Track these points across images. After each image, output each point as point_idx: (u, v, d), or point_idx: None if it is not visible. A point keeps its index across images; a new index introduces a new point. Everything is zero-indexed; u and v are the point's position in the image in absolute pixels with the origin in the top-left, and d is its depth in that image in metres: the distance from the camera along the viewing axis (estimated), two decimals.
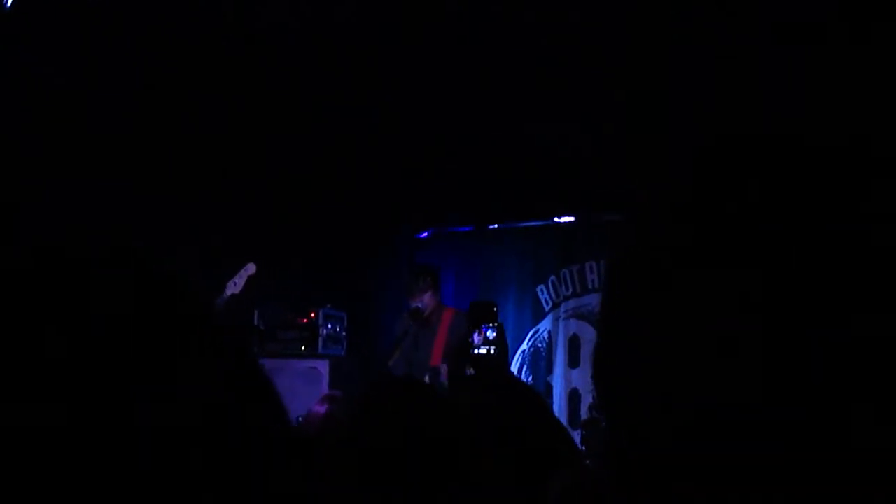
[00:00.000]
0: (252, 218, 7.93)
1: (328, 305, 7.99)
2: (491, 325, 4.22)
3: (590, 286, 8.04)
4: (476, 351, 4.30)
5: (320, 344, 7.78)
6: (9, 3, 4.54)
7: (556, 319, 8.21)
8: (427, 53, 6.36)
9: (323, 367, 7.62)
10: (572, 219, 8.08)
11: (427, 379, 6.56)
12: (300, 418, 4.51)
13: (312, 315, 7.85)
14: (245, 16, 5.89)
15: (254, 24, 5.95)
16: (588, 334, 7.89)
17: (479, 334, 4.35)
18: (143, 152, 7.02)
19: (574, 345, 8.04)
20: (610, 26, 5.63)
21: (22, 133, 6.17)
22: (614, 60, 6.01)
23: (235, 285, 7.01)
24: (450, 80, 6.69)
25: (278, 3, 5.78)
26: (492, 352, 4.30)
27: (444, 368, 6.61)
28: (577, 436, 6.78)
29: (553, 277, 8.26)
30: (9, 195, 5.86)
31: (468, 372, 6.09)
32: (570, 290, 8.15)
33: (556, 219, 8.17)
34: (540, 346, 8.27)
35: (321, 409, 4.17)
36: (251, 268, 7.07)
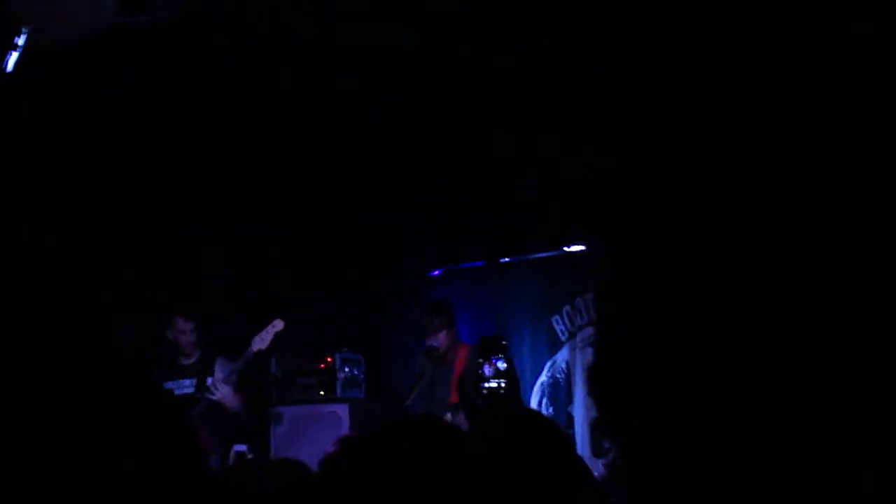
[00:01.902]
0: (262, 265, 7.96)
1: (344, 349, 8.00)
2: (500, 356, 4.22)
3: None
4: (487, 384, 4.31)
5: (338, 388, 7.78)
6: (10, 68, 4.60)
7: (573, 349, 8.20)
8: (434, 90, 6.40)
9: (343, 410, 7.61)
10: (583, 247, 8.08)
11: (449, 416, 6.55)
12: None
13: (329, 360, 7.85)
14: (264, 53, 5.94)
15: (273, 57, 6.00)
16: None
17: (489, 366, 4.37)
18: (157, 199, 7.08)
19: None
20: (620, 53, 5.66)
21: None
22: (623, 87, 6.04)
23: (262, 340, 6.92)
24: (456, 117, 6.72)
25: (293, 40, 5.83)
26: (502, 385, 4.30)
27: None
28: (600, 465, 6.76)
29: (567, 307, 8.26)
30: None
31: (477, 402, 6.08)
32: (585, 319, 8.13)
33: (565, 248, 8.17)
34: (559, 376, 8.25)
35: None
36: (279, 324, 6.98)
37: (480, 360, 4.61)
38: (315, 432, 7.33)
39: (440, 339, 7.03)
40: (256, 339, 6.91)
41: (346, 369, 7.90)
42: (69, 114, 6.02)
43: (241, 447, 6.57)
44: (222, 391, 6.75)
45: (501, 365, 4.75)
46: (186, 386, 6.88)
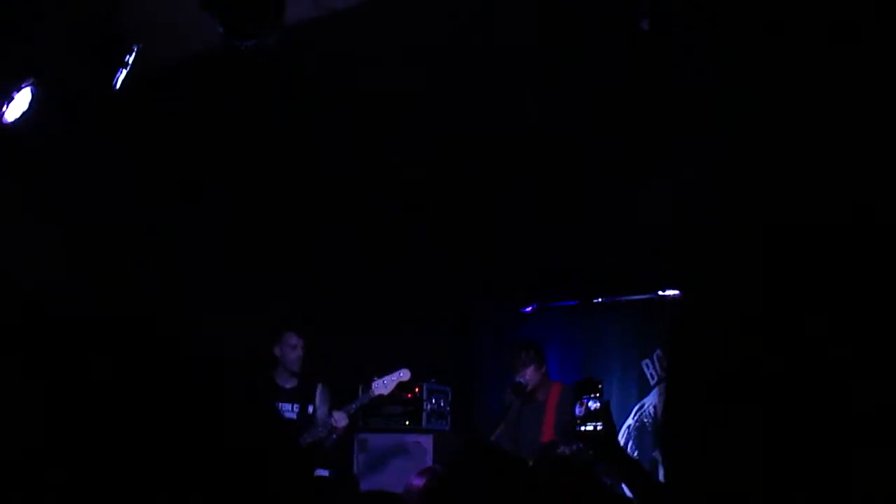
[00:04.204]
0: (356, 292, 8.02)
1: (433, 380, 8.01)
2: (593, 395, 4.19)
3: None
4: (583, 427, 4.28)
5: (424, 419, 7.80)
6: (118, 86, 4.75)
7: (661, 394, 8.08)
8: (525, 135, 6.42)
9: (427, 441, 7.62)
10: (677, 292, 7.97)
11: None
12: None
13: (417, 390, 7.87)
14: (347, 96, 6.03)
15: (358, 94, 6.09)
16: None
17: (580, 406, 4.34)
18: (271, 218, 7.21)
19: None
20: (704, 93, 5.62)
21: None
22: (715, 130, 5.98)
23: (385, 386, 6.85)
24: (551, 157, 6.73)
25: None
26: (598, 427, 4.26)
27: (563, 449, 6.49)
28: None
29: (658, 351, 8.15)
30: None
31: (575, 446, 6.00)
32: None
33: (660, 292, 8.08)
34: (646, 421, 8.14)
35: (419, 482, 4.18)
36: (405, 374, 6.91)
37: (574, 402, 4.58)
38: (398, 461, 7.36)
39: (527, 375, 6.99)
40: (378, 383, 6.83)
41: (433, 400, 7.92)
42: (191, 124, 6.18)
43: (324, 472, 6.59)
44: (342, 424, 6.72)
45: (592, 405, 4.71)
46: (287, 411, 6.78)
